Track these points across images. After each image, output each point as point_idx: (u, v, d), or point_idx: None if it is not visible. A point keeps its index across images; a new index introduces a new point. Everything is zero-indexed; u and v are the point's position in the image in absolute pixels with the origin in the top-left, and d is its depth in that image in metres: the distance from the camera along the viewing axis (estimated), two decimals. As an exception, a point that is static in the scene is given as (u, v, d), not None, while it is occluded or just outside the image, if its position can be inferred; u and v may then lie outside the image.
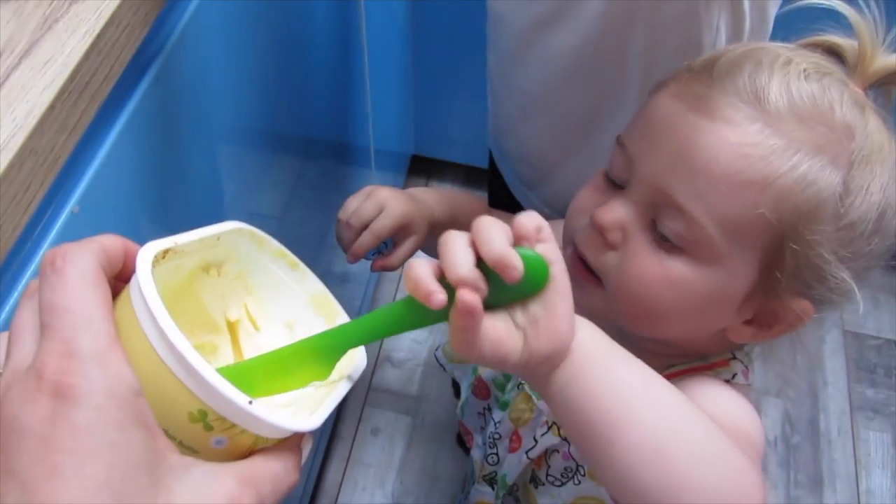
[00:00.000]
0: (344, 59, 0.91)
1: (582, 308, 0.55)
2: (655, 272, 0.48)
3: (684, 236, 0.46)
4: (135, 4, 0.42)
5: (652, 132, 0.49)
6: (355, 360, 0.37)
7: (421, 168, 1.49)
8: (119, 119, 0.44)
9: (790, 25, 0.51)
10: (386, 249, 0.69)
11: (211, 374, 0.28)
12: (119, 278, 0.30)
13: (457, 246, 0.34)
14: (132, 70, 0.44)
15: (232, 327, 0.38)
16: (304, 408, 0.35)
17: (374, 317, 0.36)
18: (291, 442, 0.32)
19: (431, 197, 0.70)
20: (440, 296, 0.32)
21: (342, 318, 0.39)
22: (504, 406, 0.67)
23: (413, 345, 1.34)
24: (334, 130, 0.96)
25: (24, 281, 0.38)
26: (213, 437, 0.30)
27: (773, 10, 0.61)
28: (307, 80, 0.79)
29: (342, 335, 0.36)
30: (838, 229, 0.45)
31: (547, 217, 0.82)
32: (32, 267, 0.38)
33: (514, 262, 0.33)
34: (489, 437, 0.68)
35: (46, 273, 0.28)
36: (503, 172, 0.86)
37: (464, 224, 0.72)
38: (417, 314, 0.34)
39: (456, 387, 0.76)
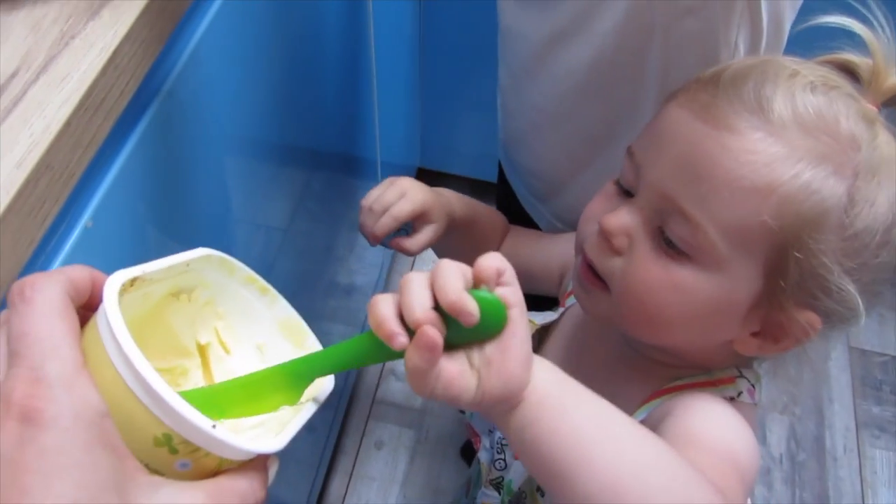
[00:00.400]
0: (352, 73, 0.91)
1: (589, 313, 0.55)
2: (660, 277, 0.48)
3: (689, 242, 0.47)
4: (150, 20, 0.43)
5: (658, 140, 0.49)
6: (323, 383, 0.38)
7: (426, 181, 1.48)
8: (133, 134, 0.44)
9: (806, 43, 0.52)
10: (405, 234, 0.70)
11: (175, 400, 0.29)
12: (87, 307, 0.31)
13: (415, 288, 0.35)
14: (146, 85, 0.45)
15: (202, 351, 0.39)
16: (270, 429, 0.36)
17: (340, 349, 0.37)
18: (258, 462, 0.33)
19: (453, 195, 0.72)
20: (402, 339, 0.34)
21: (311, 340, 0.40)
22: None
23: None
24: (341, 143, 0.96)
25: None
26: (178, 461, 0.31)
27: (788, 25, 0.61)
28: (316, 93, 0.79)
29: (308, 365, 0.37)
30: (843, 240, 0.45)
31: (558, 230, 0.82)
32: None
33: (469, 308, 0.34)
34: (497, 443, 0.69)
35: (15, 303, 0.29)
36: (514, 185, 0.86)
37: (482, 231, 0.74)
38: (381, 349, 0.36)
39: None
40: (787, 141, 0.45)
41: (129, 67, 0.41)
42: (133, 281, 0.33)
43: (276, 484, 0.35)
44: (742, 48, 0.59)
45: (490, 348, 0.36)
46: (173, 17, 0.45)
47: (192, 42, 0.49)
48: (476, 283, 0.36)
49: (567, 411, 0.38)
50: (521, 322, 0.36)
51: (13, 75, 0.38)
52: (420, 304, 0.34)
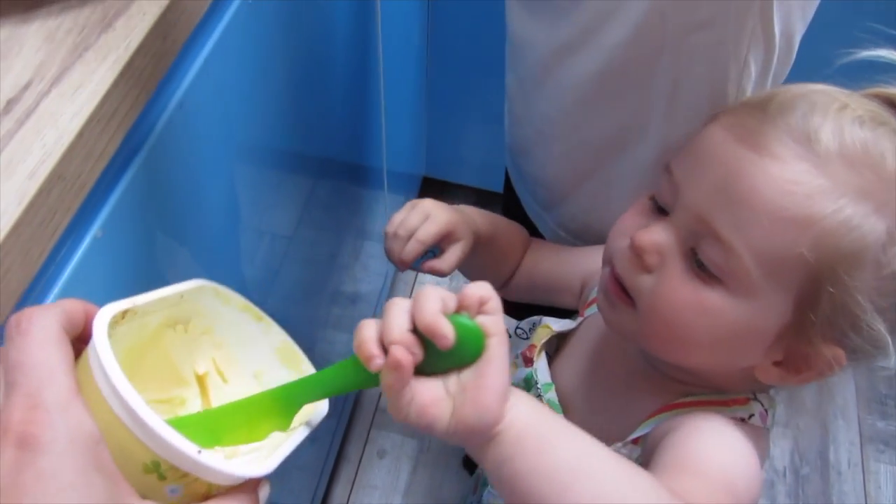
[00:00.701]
0: (360, 82, 0.92)
1: (611, 327, 0.55)
2: (688, 299, 0.48)
3: (722, 267, 0.46)
4: (162, 32, 0.43)
5: (699, 161, 0.49)
6: (317, 407, 0.39)
7: (432, 190, 1.49)
8: (144, 145, 0.44)
9: (854, 74, 0.50)
10: (433, 257, 0.70)
11: (160, 427, 0.31)
12: (81, 340, 0.33)
13: (395, 311, 0.35)
14: (158, 96, 0.45)
15: (200, 380, 0.40)
16: (263, 454, 0.37)
17: (325, 374, 0.38)
18: (248, 486, 0.34)
19: (474, 211, 0.72)
20: (378, 360, 0.34)
21: (306, 365, 0.41)
22: None
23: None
24: (348, 152, 0.97)
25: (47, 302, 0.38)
26: (168, 486, 0.32)
27: (797, 40, 0.61)
28: (324, 103, 0.80)
29: (293, 391, 0.38)
30: (878, 278, 0.44)
31: (561, 239, 0.82)
32: (56, 290, 0.38)
33: (444, 330, 0.34)
34: None
35: (12, 335, 0.30)
36: (519, 193, 0.86)
37: (504, 245, 0.74)
38: (364, 374, 0.36)
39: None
40: (831, 174, 0.44)
41: (140, 79, 0.42)
42: (124, 313, 0.34)
43: (279, 492, 0.35)
44: (753, 64, 0.59)
45: (466, 375, 0.36)
46: (185, 30, 0.46)
47: (202, 54, 0.49)
48: (459, 310, 0.36)
49: (546, 449, 0.38)
50: (499, 352, 0.36)
51: (26, 86, 0.39)
52: (397, 327, 0.35)
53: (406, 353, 0.34)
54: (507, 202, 0.92)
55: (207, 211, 0.57)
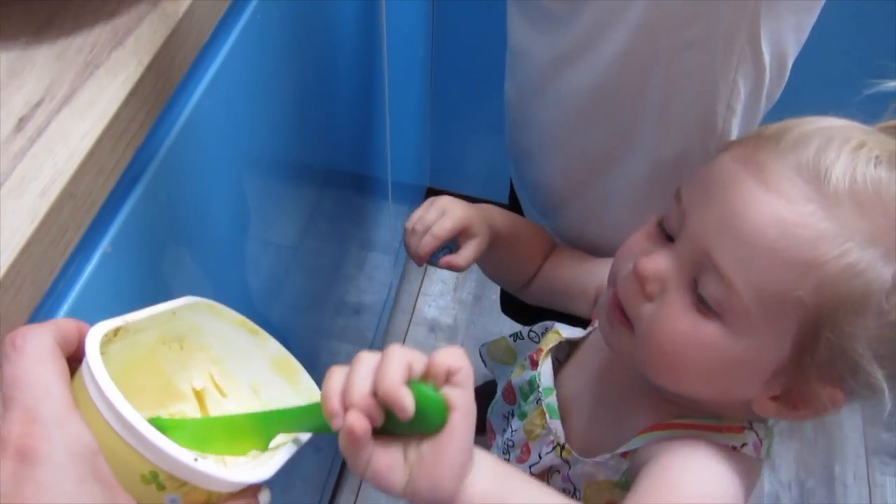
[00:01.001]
0: (365, 93, 0.92)
1: (610, 348, 0.56)
2: (686, 331, 0.48)
3: (721, 302, 0.46)
4: (172, 50, 0.43)
5: (707, 190, 0.48)
6: None
7: (436, 200, 1.50)
8: (153, 161, 0.45)
9: (877, 104, 0.49)
10: (450, 252, 0.71)
11: (155, 436, 0.31)
12: (76, 359, 0.33)
13: (360, 371, 0.35)
14: (167, 113, 0.45)
15: (199, 395, 0.41)
16: (260, 460, 0.38)
17: (295, 412, 0.38)
18: (248, 493, 0.35)
19: (496, 209, 0.73)
20: (338, 420, 0.34)
21: (303, 376, 0.42)
22: (523, 416, 0.67)
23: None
24: (353, 162, 0.97)
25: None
26: (168, 496, 0.32)
27: (791, 61, 0.61)
28: (330, 114, 0.80)
29: (266, 422, 0.38)
30: (880, 326, 0.44)
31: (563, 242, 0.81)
32: (66, 306, 0.39)
33: (403, 402, 0.34)
34: (504, 444, 0.69)
35: (7, 352, 0.31)
36: (520, 197, 0.87)
37: (525, 247, 0.75)
38: (328, 423, 0.36)
39: (485, 390, 0.77)
40: (838, 217, 0.43)
41: (151, 96, 0.42)
42: (117, 331, 0.35)
43: (283, 502, 0.35)
44: (742, 85, 0.59)
45: (426, 447, 0.35)
46: (195, 46, 0.46)
47: (211, 70, 0.49)
48: (426, 377, 0.36)
49: None
50: (461, 428, 0.35)
51: (38, 104, 0.39)
52: (359, 389, 0.34)
53: (362, 420, 0.34)
54: (511, 199, 0.93)
55: (214, 222, 0.57)
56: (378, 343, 1.26)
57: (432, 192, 1.47)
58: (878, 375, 0.44)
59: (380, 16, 0.85)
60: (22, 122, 0.38)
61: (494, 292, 1.30)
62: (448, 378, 0.35)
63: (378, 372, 0.35)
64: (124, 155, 0.40)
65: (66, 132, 0.38)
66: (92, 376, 0.31)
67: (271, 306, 0.75)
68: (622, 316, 0.51)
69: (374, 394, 0.34)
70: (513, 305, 1.07)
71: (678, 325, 0.48)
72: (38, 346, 0.31)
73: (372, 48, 0.88)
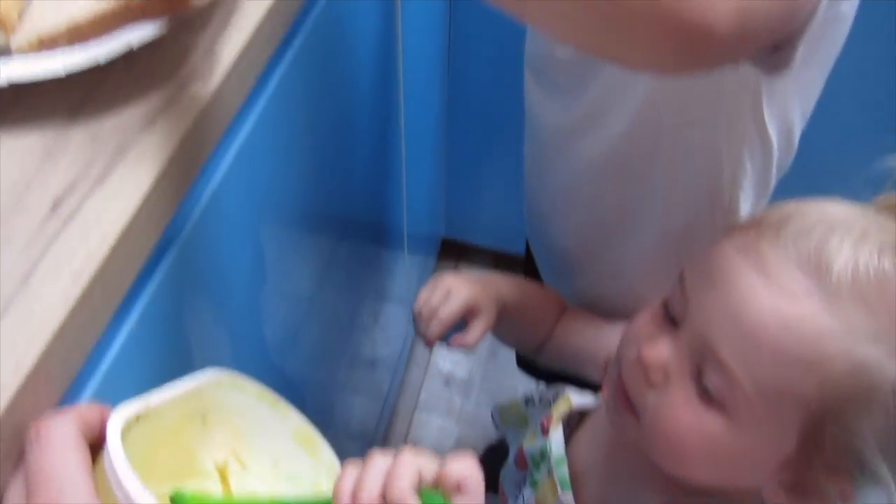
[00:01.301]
0: (382, 145, 0.93)
1: (616, 431, 0.55)
2: (689, 422, 0.47)
3: (724, 394, 0.46)
4: (199, 133, 0.44)
5: (710, 280, 0.48)
6: None
7: (452, 252, 1.50)
8: (180, 237, 0.45)
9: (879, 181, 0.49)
10: (459, 332, 0.72)
11: None
12: (99, 442, 0.34)
13: (371, 473, 0.36)
14: (192, 191, 0.46)
15: (221, 472, 0.41)
16: None
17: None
18: None
19: (503, 280, 0.74)
20: None
21: (324, 449, 0.42)
22: (534, 485, 0.67)
23: (440, 434, 1.33)
24: (369, 213, 0.98)
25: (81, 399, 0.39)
26: None
27: (798, 134, 0.62)
28: (346, 166, 0.81)
29: None
30: (886, 422, 0.43)
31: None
32: (93, 387, 0.39)
33: None
34: None
35: (31, 442, 0.32)
36: (536, 257, 0.88)
37: (535, 313, 0.75)
38: None
39: (497, 447, 0.77)
40: (841, 313, 0.43)
41: (178, 177, 0.43)
42: (138, 417, 0.35)
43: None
44: (748, 162, 0.60)
45: None
46: (221, 125, 0.47)
47: (236, 144, 0.50)
48: (436, 485, 0.36)
49: None
50: None
51: (72, 186, 0.40)
52: (368, 492, 0.35)
53: None
54: (528, 265, 0.93)
55: (235, 286, 0.58)
56: (392, 397, 1.26)
57: (448, 242, 1.48)
58: (884, 470, 0.44)
59: (396, 69, 0.87)
60: (56, 205, 0.39)
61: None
62: (458, 488, 0.36)
63: (388, 477, 0.35)
64: (153, 235, 0.41)
65: (98, 214, 0.39)
66: (112, 468, 0.32)
67: (286, 360, 0.76)
68: (627, 403, 0.51)
69: (384, 496, 0.35)
70: (528, 361, 1.07)
71: (682, 416, 0.48)
72: (61, 436, 0.32)
73: (389, 100, 0.90)
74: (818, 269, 0.44)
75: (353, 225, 0.91)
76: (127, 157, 0.42)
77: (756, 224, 0.49)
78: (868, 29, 0.61)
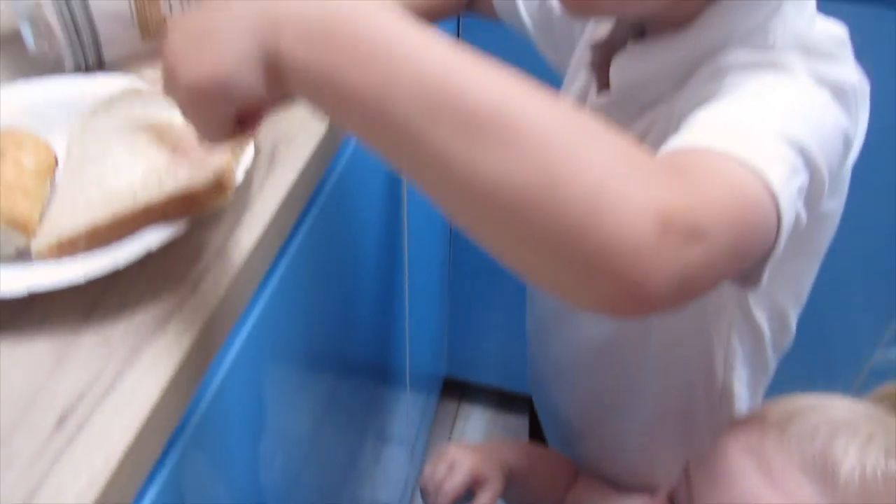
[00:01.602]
0: (386, 287, 0.95)
1: None
2: None
3: None
4: (208, 335, 0.45)
5: (714, 479, 0.48)
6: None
7: (454, 391, 1.49)
8: (182, 439, 0.45)
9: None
10: (468, 503, 0.71)
11: None
12: None
13: None
14: (203, 384, 0.47)
15: None
16: None
17: None
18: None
19: (508, 447, 0.74)
20: None
21: None
22: None
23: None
24: (371, 354, 0.98)
25: None
26: None
27: (794, 318, 0.62)
28: (350, 308, 0.82)
29: None
30: None
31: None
32: None
33: None
34: None
35: None
36: (541, 420, 0.87)
37: (544, 478, 0.74)
38: None
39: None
40: None
41: (186, 382, 0.43)
42: None
43: None
44: (739, 347, 0.61)
45: None
46: (230, 324, 0.48)
47: (243, 333, 0.51)
48: None
49: None
50: None
51: (80, 398, 0.40)
52: None
53: None
54: (532, 425, 0.93)
55: (234, 418, 0.56)
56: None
57: (450, 381, 1.47)
58: None
59: (401, 212, 0.89)
60: (62, 420, 0.39)
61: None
62: None
63: None
64: (158, 446, 0.41)
65: (105, 431, 0.39)
66: None
67: (285, 502, 0.74)
68: None
69: None
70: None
71: None
72: None
73: (393, 242, 0.92)
74: (823, 474, 0.44)
75: (354, 365, 0.91)
76: (137, 363, 0.42)
77: (759, 420, 0.49)
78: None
